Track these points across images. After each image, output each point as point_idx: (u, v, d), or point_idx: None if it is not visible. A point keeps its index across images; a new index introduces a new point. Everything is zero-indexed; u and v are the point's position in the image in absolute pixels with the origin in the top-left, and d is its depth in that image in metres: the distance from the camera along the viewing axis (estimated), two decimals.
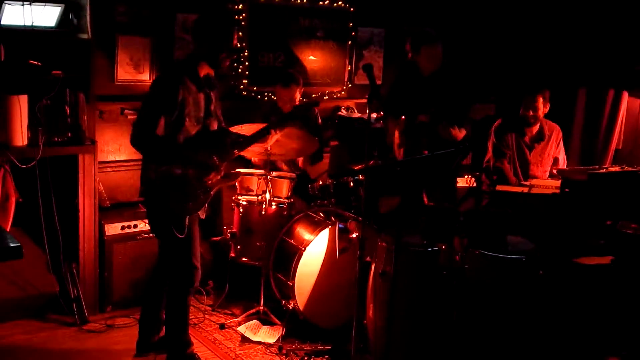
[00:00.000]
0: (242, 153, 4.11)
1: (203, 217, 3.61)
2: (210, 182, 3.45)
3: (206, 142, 3.44)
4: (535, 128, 4.82)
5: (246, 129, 3.89)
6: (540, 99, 4.68)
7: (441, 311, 3.32)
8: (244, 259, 4.34)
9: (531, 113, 4.70)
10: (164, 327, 3.70)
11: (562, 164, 4.93)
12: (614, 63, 5.18)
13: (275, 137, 3.86)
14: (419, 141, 4.24)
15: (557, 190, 3.97)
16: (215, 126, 3.54)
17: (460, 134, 4.23)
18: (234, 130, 3.76)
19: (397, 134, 4.41)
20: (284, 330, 4.01)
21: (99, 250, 4.25)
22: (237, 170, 3.89)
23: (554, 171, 4.81)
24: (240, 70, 5.13)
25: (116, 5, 4.49)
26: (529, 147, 4.82)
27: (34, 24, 3.92)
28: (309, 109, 4.68)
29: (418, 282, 3.37)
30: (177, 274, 3.52)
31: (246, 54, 5.12)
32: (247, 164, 4.69)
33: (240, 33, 5.02)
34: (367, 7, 5.67)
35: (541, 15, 5.60)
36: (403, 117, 4.22)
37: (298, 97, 4.73)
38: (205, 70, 3.45)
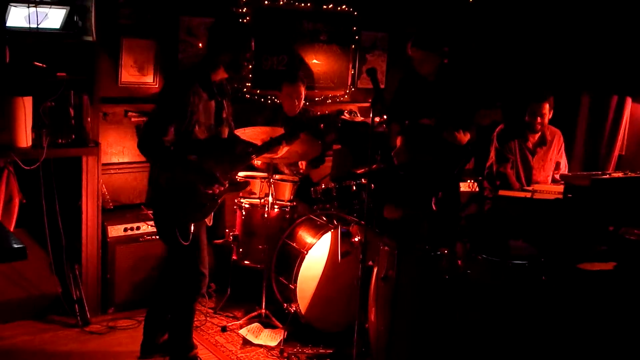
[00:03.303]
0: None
1: (210, 224, 3.57)
2: (215, 191, 3.37)
3: (216, 151, 3.40)
4: (538, 133, 4.82)
5: (249, 132, 3.89)
6: (547, 106, 4.69)
7: (443, 316, 3.31)
8: (246, 262, 4.34)
9: (538, 120, 4.70)
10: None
11: (564, 168, 4.93)
12: (618, 69, 5.17)
13: (285, 148, 3.84)
14: (422, 147, 4.20)
15: (560, 196, 3.97)
16: (226, 134, 3.52)
17: (465, 137, 4.22)
18: (237, 133, 3.75)
19: (399, 141, 4.35)
20: (286, 333, 4.01)
21: (102, 252, 4.26)
22: (243, 175, 3.81)
23: (557, 176, 4.80)
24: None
25: (121, 8, 4.50)
26: (531, 152, 4.82)
27: (39, 26, 3.93)
28: (320, 121, 4.61)
29: (420, 286, 3.36)
30: (183, 280, 3.50)
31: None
32: (249, 167, 4.69)
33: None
34: (371, 11, 5.67)
35: (545, 20, 5.59)
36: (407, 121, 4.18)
37: (303, 93, 4.74)
38: (219, 76, 3.40)
